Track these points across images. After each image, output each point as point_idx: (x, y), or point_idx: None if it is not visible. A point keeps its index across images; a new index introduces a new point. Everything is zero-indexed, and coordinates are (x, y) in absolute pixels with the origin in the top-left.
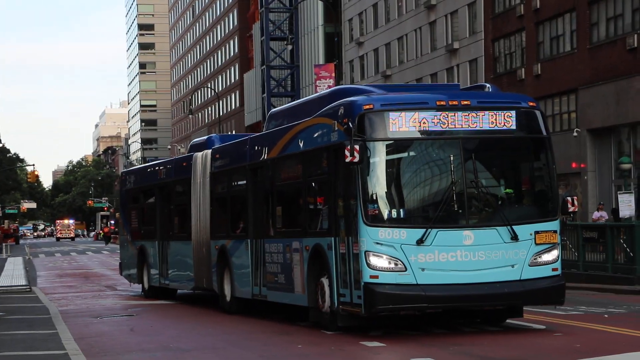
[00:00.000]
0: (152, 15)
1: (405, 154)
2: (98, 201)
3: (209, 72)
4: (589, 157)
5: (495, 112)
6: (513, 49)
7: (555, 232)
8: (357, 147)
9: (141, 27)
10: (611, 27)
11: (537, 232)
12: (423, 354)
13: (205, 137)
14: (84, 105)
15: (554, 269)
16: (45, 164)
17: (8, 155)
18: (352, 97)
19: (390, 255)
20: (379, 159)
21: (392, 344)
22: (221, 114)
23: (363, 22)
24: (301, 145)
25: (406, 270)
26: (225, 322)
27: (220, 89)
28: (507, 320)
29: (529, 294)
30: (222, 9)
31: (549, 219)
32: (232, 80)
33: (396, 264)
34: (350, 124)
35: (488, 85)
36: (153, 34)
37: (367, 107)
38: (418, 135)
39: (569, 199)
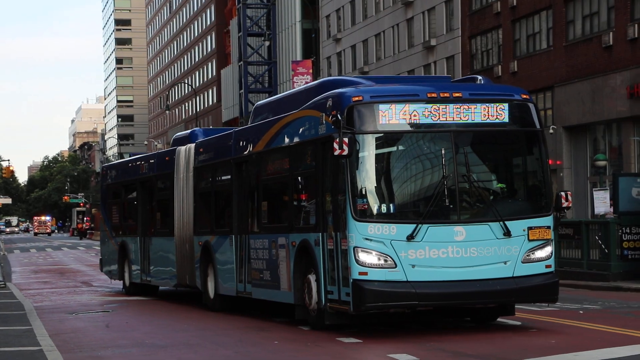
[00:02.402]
0: (129, 10)
1: (395, 148)
2: (74, 197)
3: (186, 68)
4: (565, 154)
5: (487, 104)
6: (490, 46)
7: (548, 228)
8: (346, 139)
9: (118, 22)
10: (587, 24)
11: (530, 228)
12: (399, 350)
13: (188, 131)
14: (60, 100)
15: (547, 266)
16: (21, 159)
17: None
18: (340, 88)
19: (379, 251)
20: (369, 152)
21: (368, 340)
22: (198, 109)
23: (341, 19)
24: (288, 138)
25: (396, 266)
26: (202, 318)
27: (198, 84)
28: (499, 319)
29: (522, 291)
30: (199, 5)
31: (543, 214)
32: (209, 76)
33: (386, 260)
34: (338, 116)
35: (480, 77)
36: (130, 29)
37: (356, 98)
38: (408, 128)
39: (563, 194)
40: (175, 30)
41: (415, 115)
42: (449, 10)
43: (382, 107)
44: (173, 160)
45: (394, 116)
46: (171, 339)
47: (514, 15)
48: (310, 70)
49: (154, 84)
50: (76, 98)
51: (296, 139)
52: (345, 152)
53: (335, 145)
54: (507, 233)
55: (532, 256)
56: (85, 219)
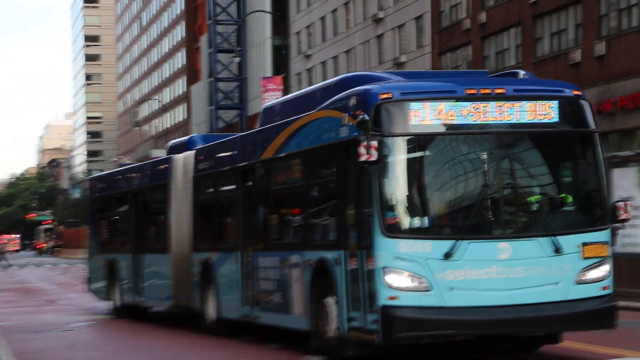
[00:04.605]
0: (99, 26)
1: (430, 152)
2: (41, 214)
3: (155, 84)
4: None
5: (534, 102)
6: (459, 63)
7: (605, 243)
8: (373, 143)
9: (87, 38)
10: (555, 41)
11: (584, 244)
12: None
13: (186, 137)
14: (28, 117)
15: (604, 287)
16: None
17: None
18: (364, 85)
19: (412, 272)
20: (399, 157)
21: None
22: (168, 126)
23: (311, 35)
24: (303, 143)
25: (432, 289)
26: (168, 337)
27: (167, 101)
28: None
29: (576, 317)
30: (169, 21)
31: (599, 228)
32: (179, 93)
33: (420, 283)
34: (365, 116)
35: (523, 71)
36: (99, 45)
37: (385, 96)
38: (444, 129)
39: (622, 204)
40: (145, 47)
41: (452, 115)
42: (418, 27)
43: (414, 105)
44: (168, 169)
45: (428, 116)
46: (136, 358)
47: (484, 32)
48: (281, 87)
49: (123, 101)
50: (44, 114)
51: (313, 144)
52: (373, 158)
53: (362, 150)
54: (559, 250)
55: (588, 276)
56: (52, 236)
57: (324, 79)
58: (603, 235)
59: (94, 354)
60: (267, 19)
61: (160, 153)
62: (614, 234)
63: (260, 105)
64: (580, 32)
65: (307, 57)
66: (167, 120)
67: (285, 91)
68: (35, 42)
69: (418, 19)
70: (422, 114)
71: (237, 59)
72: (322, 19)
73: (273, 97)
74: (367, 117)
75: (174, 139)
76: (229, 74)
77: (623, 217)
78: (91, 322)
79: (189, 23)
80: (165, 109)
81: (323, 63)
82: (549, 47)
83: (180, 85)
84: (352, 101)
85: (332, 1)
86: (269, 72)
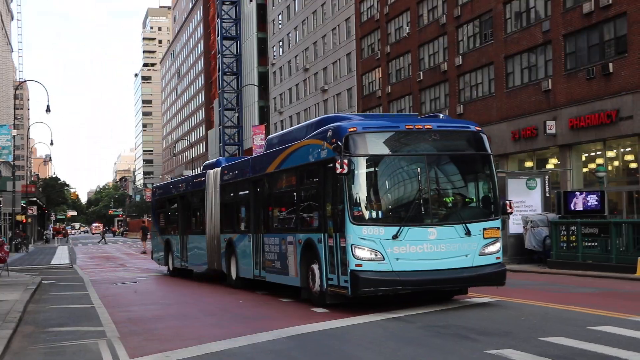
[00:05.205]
0: (151, 94)
1: (382, 167)
2: (116, 211)
3: (186, 129)
4: None
5: (451, 134)
6: None
7: (498, 228)
8: (345, 161)
9: (144, 101)
10: (433, 105)
11: (485, 229)
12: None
13: (215, 159)
14: (107, 151)
15: (497, 257)
16: (83, 186)
17: (59, 182)
18: (337, 122)
19: (371, 248)
20: (362, 171)
21: (297, 301)
22: (193, 156)
23: (283, 99)
24: (295, 161)
25: (384, 259)
26: (201, 287)
27: (193, 140)
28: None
29: (480, 277)
30: (194, 91)
31: (494, 218)
32: (201, 135)
33: (376, 255)
34: (338, 142)
35: (442, 114)
36: (151, 105)
37: (352, 130)
38: (392, 152)
39: (508, 202)
40: (179, 106)
41: (397, 142)
42: (349, 95)
43: (372, 136)
44: (204, 180)
45: (381, 143)
46: (177, 300)
47: (389, 98)
48: (264, 132)
49: (166, 140)
50: (117, 148)
51: (302, 161)
52: (345, 171)
53: (337, 165)
54: (468, 232)
55: (487, 250)
56: (121, 224)
57: None
58: (497, 223)
59: (150, 297)
60: (255, 89)
61: (189, 172)
62: (504, 222)
63: (251, 143)
64: (448, 99)
65: (280, 113)
66: (193, 153)
67: (267, 134)
68: (111, 104)
69: (349, 90)
70: (377, 141)
71: (237, 114)
72: (290, 90)
73: (259, 139)
74: (340, 144)
75: (201, 164)
76: (232, 124)
77: (509, 211)
78: (149, 279)
79: (206, 92)
80: (191, 145)
81: (290, 117)
82: (429, 108)
83: (201, 131)
84: (329, 133)
85: (295, 79)
86: (256, 122)
